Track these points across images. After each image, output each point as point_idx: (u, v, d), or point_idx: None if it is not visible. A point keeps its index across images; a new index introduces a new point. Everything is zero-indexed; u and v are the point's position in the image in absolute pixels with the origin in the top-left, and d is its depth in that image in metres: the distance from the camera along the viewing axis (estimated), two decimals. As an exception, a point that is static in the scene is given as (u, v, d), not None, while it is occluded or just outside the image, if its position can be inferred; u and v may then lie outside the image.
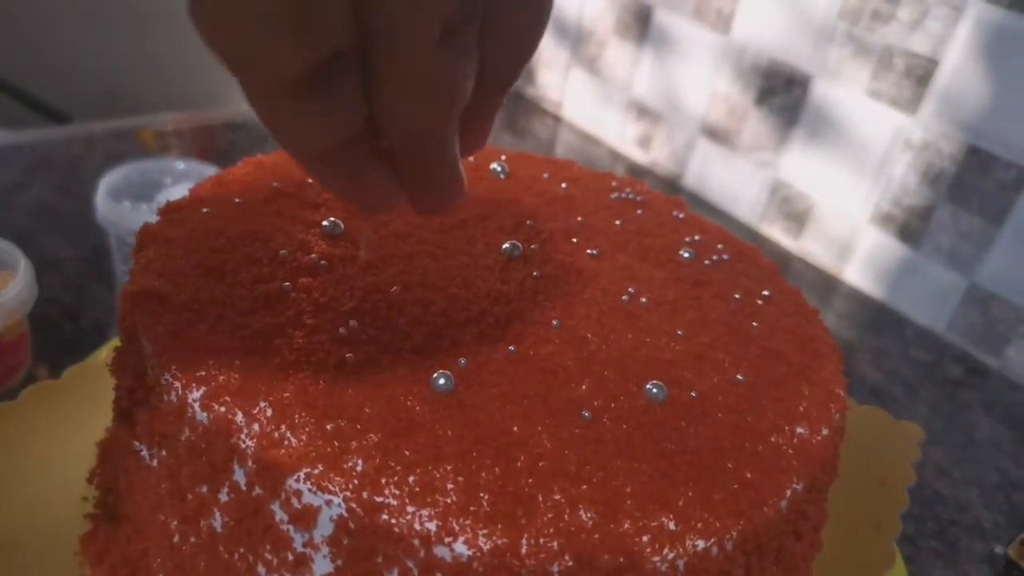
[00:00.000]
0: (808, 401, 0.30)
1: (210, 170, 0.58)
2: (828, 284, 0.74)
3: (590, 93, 0.93)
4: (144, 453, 0.28)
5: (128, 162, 0.56)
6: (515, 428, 0.26)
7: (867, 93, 0.69)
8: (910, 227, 0.69)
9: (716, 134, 0.82)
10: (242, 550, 0.25)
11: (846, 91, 0.71)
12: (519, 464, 0.25)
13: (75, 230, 0.61)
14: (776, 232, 0.79)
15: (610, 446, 0.26)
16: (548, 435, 0.26)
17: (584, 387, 0.28)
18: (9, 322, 0.44)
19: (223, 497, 0.25)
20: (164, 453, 0.27)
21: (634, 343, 0.31)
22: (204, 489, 0.25)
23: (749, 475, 0.26)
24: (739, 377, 0.30)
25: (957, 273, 0.67)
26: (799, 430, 0.29)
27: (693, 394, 0.29)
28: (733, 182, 0.82)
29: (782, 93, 0.75)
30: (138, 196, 0.55)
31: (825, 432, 0.29)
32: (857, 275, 0.74)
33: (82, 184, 0.64)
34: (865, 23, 0.68)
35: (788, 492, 0.26)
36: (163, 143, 0.76)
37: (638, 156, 0.90)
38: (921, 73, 0.66)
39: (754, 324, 0.34)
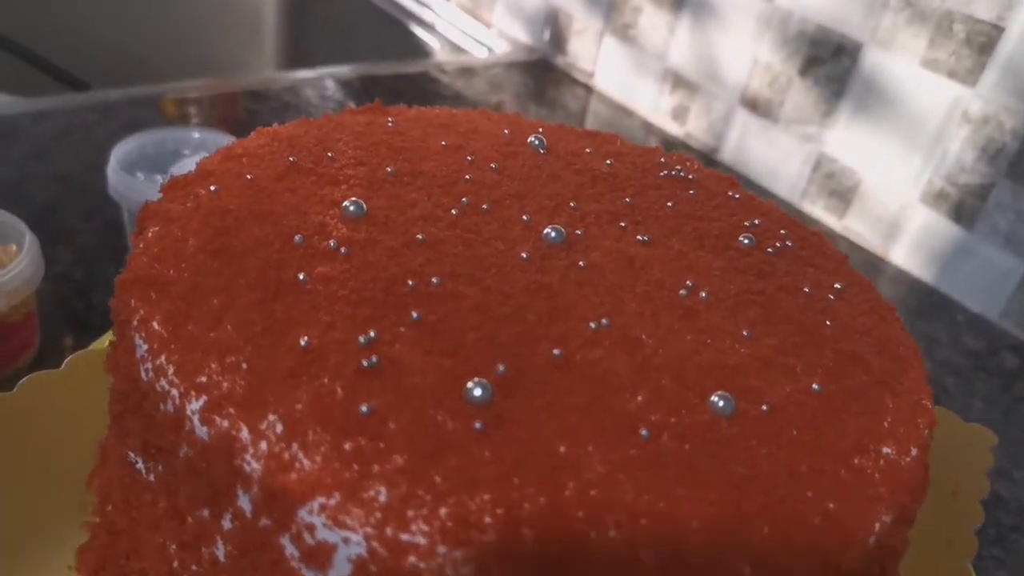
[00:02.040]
0: (893, 415, 0.26)
1: (228, 140, 0.54)
2: (873, 266, 0.70)
3: (623, 62, 0.89)
4: (140, 466, 0.25)
5: (142, 131, 0.53)
6: (562, 448, 0.22)
7: (922, 63, 0.65)
8: (965, 206, 0.65)
9: (757, 106, 0.77)
10: (248, 584, 0.22)
11: (899, 60, 0.66)
12: (567, 493, 0.21)
13: (91, 202, 0.58)
14: (818, 210, 0.75)
15: (671, 470, 0.22)
16: (600, 457, 0.22)
17: (640, 398, 0.24)
18: (13, 301, 0.41)
19: (226, 524, 0.22)
20: (161, 468, 0.24)
21: (694, 345, 0.27)
22: (205, 513, 0.22)
23: (832, 506, 0.23)
24: (815, 386, 0.27)
25: (1014, 256, 0.63)
26: (885, 450, 0.25)
27: (764, 407, 0.25)
28: (773, 157, 0.77)
29: (829, 62, 0.71)
30: (153, 168, 0.52)
31: (914, 452, 0.25)
32: (905, 257, 0.70)
33: (100, 153, 0.61)
34: (924, -13, 0.64)
35: (876, 526, 0.23)
36: (184, 111, 0.73)
37: (673, 129, 0.86)
38: (984, 41, 0.61)
39: (827, 323, 0.30)
